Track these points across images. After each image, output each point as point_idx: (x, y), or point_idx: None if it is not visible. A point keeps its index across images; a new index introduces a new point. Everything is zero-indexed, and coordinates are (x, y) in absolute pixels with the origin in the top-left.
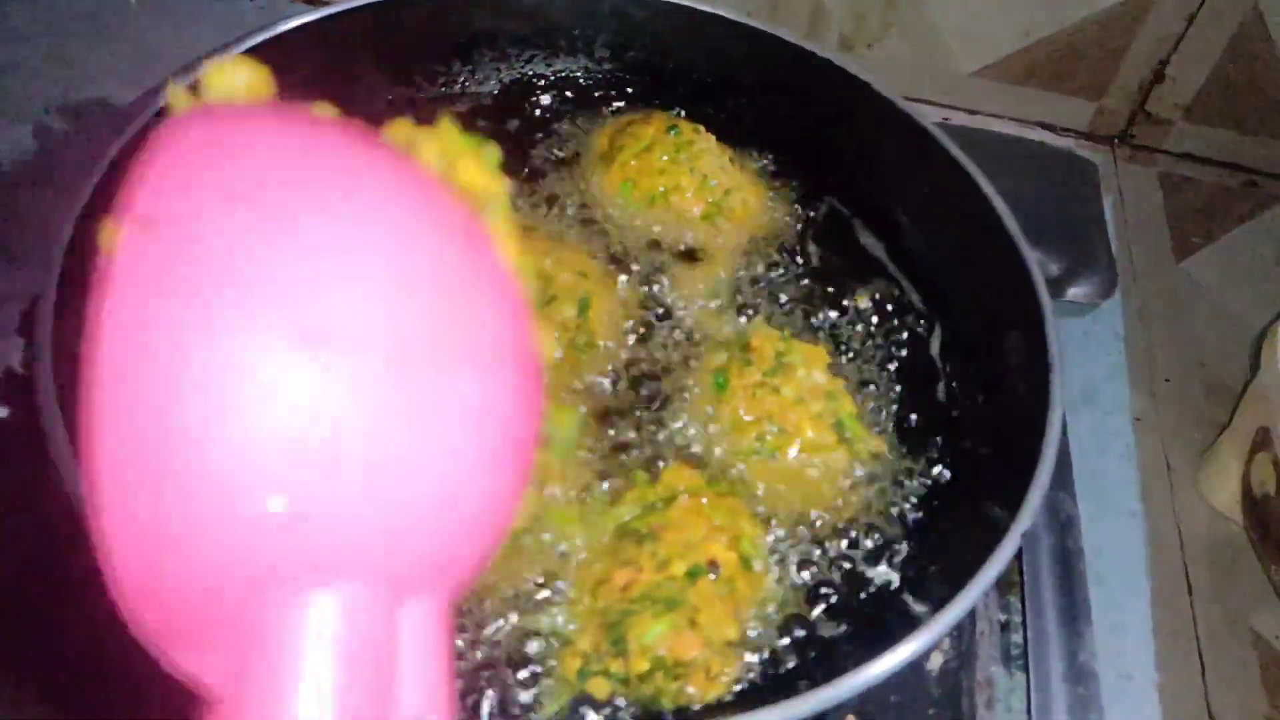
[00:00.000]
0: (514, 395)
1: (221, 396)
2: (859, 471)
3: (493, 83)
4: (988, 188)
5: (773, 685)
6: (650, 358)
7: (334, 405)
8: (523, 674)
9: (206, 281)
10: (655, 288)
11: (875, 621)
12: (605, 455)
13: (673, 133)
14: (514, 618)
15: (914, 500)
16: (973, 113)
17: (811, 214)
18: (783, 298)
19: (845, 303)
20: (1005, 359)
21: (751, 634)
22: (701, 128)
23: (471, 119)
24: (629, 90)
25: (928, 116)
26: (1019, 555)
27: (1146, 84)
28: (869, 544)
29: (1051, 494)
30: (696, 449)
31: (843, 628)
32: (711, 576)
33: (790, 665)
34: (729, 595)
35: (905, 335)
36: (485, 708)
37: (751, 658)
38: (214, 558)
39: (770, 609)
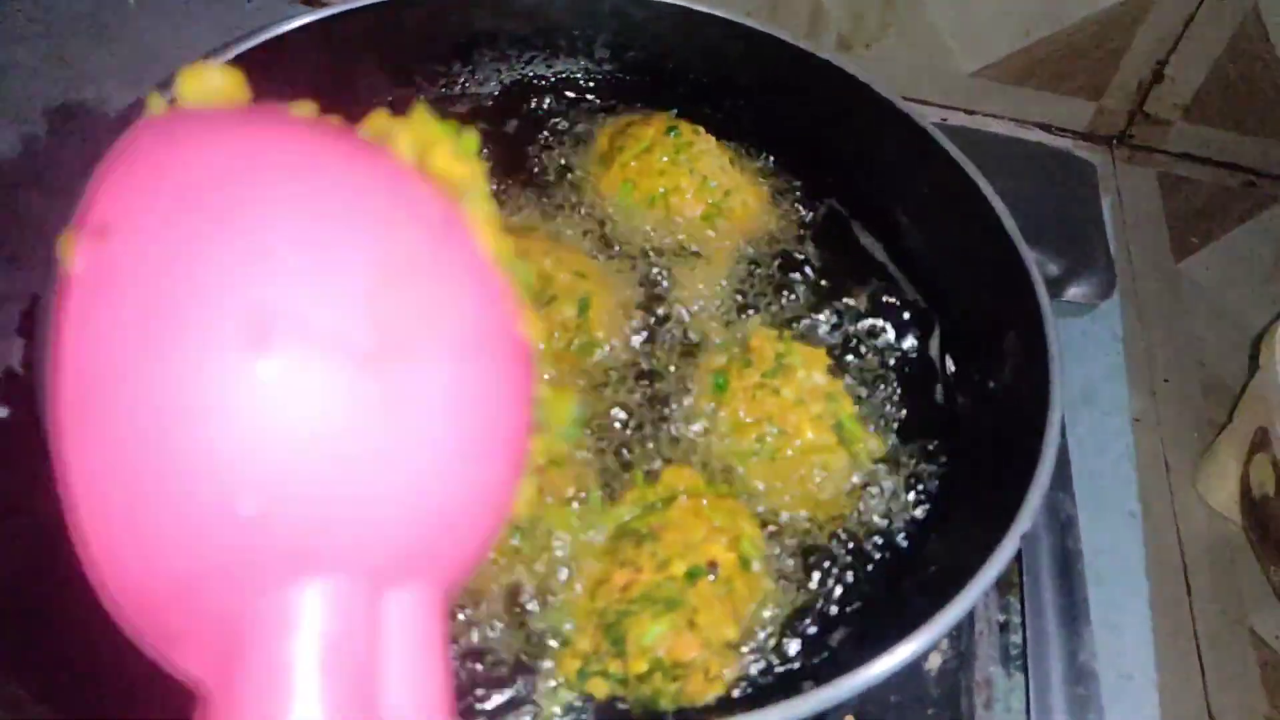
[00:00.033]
0: (498, 383)
1: (180, 400)
2: (859, 472)
3: (493, 83)
4: (987, 188)
5: (772, 685)
6: (650, 358)
7: (302, 402)
8: (522, 675)
9: (162, 287)
10: (655, 288)
11: (874, 621)
12: (605, 455)
13: (672, 134)
14: (512, 618)
15: (913, 500)
16: (971, 113)
17: (811, 214)
18: (783, 298)
19: (845, 303)
20: (1004, 359)
21: (751, 635)
22: (701, 128)
23: (471, 119)
24: (629, 91)
25: (926, 117)
26: (1018, 556)
27: (1145, 84)
28: (868, 544)
29: (1051, 494)
30: (696, 450)
31: (842, 628)
32: (711, 577)
33: (790, 665)
34: (728, 596)
35: (905, 335)
36: (484, 708)
37: (751, 658)
38: (188, 555)
39: (769, 610)
